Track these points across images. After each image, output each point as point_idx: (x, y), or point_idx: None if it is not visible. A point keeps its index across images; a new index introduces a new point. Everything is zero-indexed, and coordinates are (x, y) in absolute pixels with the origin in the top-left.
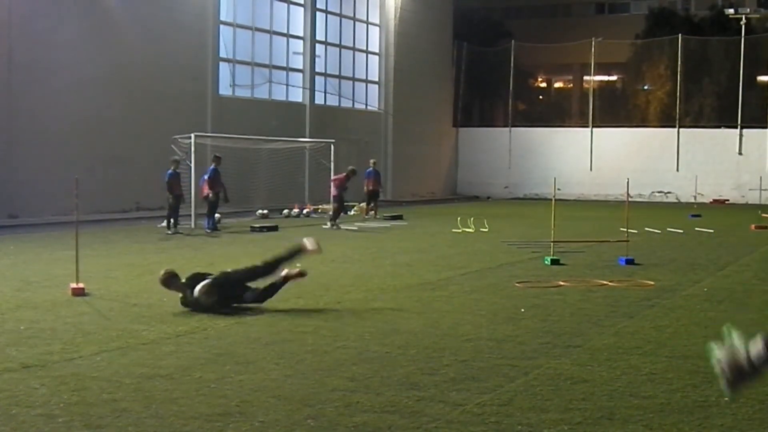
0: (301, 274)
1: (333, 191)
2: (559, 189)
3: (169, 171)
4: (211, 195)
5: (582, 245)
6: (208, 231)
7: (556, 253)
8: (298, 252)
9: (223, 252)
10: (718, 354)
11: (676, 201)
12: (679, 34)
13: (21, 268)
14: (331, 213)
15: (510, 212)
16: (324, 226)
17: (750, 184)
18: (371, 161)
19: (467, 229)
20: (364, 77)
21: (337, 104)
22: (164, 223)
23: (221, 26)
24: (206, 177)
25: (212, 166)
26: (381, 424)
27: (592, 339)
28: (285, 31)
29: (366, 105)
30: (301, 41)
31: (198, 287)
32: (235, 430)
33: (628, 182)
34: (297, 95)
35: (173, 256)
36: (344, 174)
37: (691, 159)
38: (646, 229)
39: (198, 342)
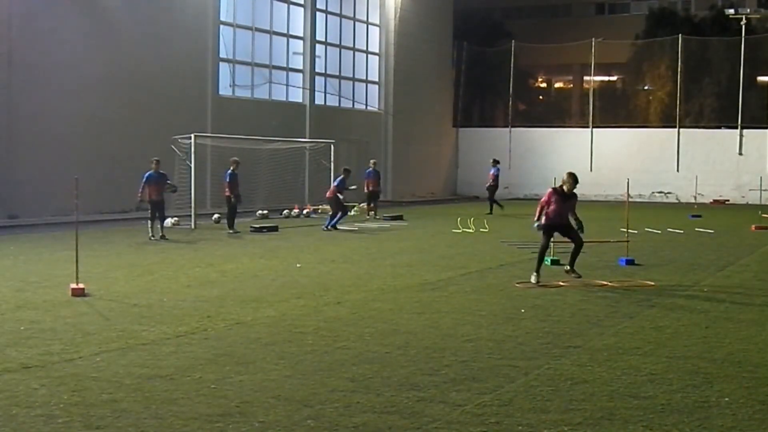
0: None
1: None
2: None
3: (229, 171)
4: (233, 198)
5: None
6: (230, 233)
7: (556, 254)
8: None
9: (223, 252)
10: None
11: (676, 201)
12: (680, 35)
13: (21, 268)
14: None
15: (510, 212)
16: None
17: (750, 184)
18: (371, 161)
19: (467, 230)
20: (364, 77)
21: (337, 104)
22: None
23: (221, 26)
24: (226, 180)
25: (230, 170)
26: (381, 425)
27: (592, 339)
28: (285, 32)
29: (366, 105)
30: (301, 41)
31: None
32: (235, 430)
33: (628, 182)
34: (297, 95)
35: (173, 257)
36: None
37: (692, 159)
38: (647, 229)
39: (198, 342)
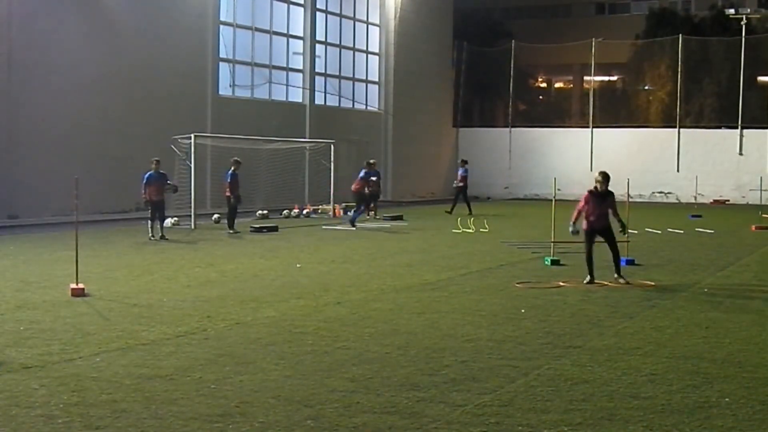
0: None
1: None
2: (559, 189)
3: (230, 171)
4: (232, 199)
5: (582, 246)
6: (230, 233)
7: (556, 254)
8: None
9: (223, 252)
10: None
11: (676, 201)
12: (680, 35)
13: (21, 269)
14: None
15: (510, 212)
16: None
17: (750, 184)
18: (371, 161)
19: (467, 230)
20: (364, 77)
21: (337, 104)
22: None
23: (221, 26)
24: (227, 180)
25: (231, 170)
26: (381, 425)
27: (592, 340)
28: (285, 31)
29: (366, 105)
30: (301, 41)
31: None
32: (235, 430)
33: (628, 182)
34: (297, 95)
35: (173, 257)
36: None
37: (692, 159)
38: (647, 229)
39: (198, 343)
